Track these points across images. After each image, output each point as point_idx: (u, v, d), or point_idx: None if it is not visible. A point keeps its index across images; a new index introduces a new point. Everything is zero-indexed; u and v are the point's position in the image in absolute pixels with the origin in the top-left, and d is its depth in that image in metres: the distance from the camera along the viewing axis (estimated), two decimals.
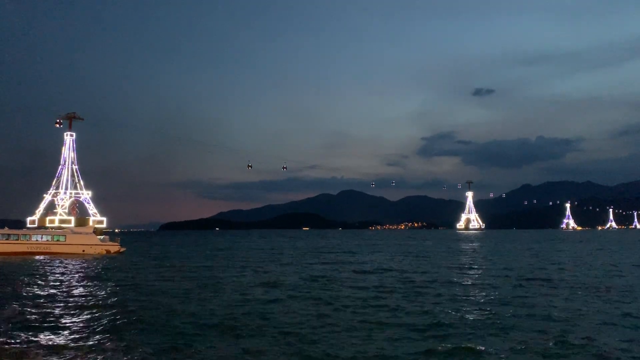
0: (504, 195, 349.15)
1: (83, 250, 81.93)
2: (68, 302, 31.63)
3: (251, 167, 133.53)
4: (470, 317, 25.67)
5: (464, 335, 21.62)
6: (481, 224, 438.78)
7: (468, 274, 49.47)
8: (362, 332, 22.38)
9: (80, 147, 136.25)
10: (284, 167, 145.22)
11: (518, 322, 24.24)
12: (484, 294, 34.56)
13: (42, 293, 35.61)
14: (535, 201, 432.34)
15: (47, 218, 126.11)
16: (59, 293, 35.65)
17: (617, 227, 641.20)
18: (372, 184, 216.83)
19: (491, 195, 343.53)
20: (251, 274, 49.08)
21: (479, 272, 51.29)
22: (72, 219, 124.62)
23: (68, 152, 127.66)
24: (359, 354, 18.84)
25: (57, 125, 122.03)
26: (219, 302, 31.13)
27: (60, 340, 20.95)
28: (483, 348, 19.51)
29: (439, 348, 19.56)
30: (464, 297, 32.71)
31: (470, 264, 62.37)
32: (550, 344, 20.11)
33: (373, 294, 34.37)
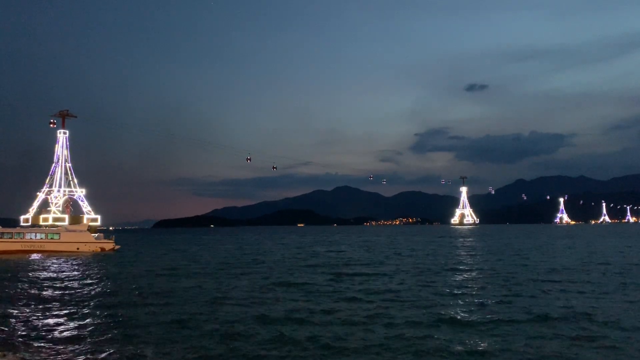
0: (492, 190, 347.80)
1: (77, 248, 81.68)
2: (61, 300, 31.65)
3: (250, 160, 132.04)
4: None
5: None
6: (475, 219, 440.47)
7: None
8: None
9: (74, 145, 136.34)
10: (274, 167, 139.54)
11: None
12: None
13: (36, 291, 35.55)
14: (527, 196, 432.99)
15: (41, 216, 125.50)
16: (53, 291, 35.63)
17: (610, 221, 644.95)
18: (370, 177, 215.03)
19: (491, 191, 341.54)
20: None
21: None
22: (66, 217, 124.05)
23: (61, 149, 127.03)
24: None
25: (51, 126, 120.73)
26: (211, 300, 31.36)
27: (53, 338, 21.03)
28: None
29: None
30: None
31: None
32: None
33: None
